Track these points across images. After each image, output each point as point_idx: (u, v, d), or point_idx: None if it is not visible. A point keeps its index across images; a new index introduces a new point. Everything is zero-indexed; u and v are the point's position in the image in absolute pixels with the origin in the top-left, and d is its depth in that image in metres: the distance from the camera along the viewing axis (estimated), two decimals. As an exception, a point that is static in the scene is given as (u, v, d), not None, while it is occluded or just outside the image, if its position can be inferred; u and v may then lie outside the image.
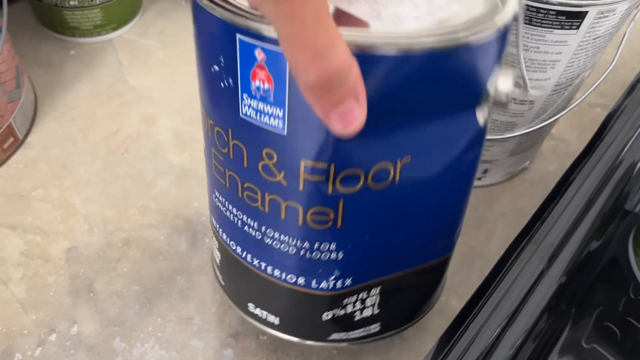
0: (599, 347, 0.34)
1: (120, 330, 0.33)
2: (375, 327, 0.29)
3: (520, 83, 0.22)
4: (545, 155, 0.44)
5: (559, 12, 0.28)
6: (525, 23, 0.29)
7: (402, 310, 0.30)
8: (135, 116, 0.44)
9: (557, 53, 0.31)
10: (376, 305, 0.28)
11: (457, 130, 0.22)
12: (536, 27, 0.29)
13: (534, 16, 0.29)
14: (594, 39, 0.31)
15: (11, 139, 0.40)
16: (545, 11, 0.29)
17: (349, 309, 0.27)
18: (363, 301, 0.27)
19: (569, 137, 0.45)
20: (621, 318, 0.35)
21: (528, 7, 0.29)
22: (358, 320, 0.28)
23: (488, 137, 0.35)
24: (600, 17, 0.29)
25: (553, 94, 0.34)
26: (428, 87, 0.20)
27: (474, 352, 0.27)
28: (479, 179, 0.41)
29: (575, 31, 0.30)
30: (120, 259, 0.36)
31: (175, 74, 0.46)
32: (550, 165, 0.43)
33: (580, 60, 0.32)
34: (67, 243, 0.37)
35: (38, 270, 0.35)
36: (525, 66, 0.31)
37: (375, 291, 0.27)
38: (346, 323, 0.28)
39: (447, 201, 0.26)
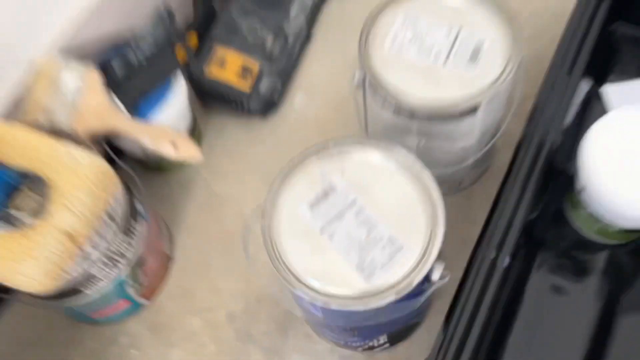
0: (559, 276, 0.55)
1: (277, 357, 0.57)
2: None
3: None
4: (501, 150, 0.63)
5: (461, 113, 0.47)
6: (440, 122, 0.48)
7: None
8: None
9: (469, 128, 0.50)
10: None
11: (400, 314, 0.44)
12: (448, 123, 0.48)
13: (446, 118, 0.48)
14: (494, 106, 0.49)
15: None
16: (452, 116, 0.48)
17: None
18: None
19: (514, 129, 0.63)
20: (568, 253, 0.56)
21: (438, 117, 0.47)
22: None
23: (446, 169, 0.54)
24: (491, 100, 0.48)
25: (482, 137, 0.53)
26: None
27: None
28: (458, 188, 0.61)
29: (475, 114, 0.48)
30: (259, 311, 0.59)
31: (247, 181, 0.68)
32: (505, 156, 0.62)
33: (489, 118, 0.51)
34: (224, 311, 0.60)
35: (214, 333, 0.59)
36: (450, 138, 0.50)
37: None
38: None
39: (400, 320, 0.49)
